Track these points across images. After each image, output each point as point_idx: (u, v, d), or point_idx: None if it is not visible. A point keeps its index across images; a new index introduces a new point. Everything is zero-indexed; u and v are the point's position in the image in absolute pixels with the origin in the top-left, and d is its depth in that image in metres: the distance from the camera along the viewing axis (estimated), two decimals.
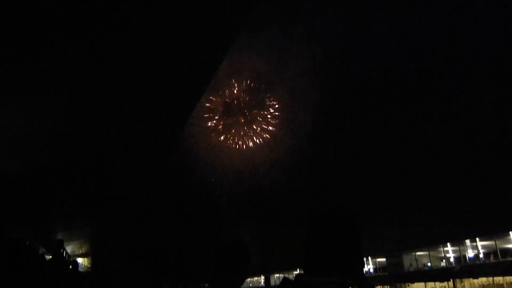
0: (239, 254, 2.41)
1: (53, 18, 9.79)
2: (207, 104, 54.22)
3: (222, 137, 57.74)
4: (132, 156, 20.51)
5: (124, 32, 11.61)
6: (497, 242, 36.38)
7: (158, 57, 13.91)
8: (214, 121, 56.45)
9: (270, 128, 56.67)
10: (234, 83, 52.87)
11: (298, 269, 58.61)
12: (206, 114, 55.42)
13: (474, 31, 35.87)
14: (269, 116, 55.64)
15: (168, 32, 12.62)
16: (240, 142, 58.50)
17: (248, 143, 58.37)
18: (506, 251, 36.42)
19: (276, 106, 55.04)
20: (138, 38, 12.20)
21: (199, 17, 12.03)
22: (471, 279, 37.59)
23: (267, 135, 57.86)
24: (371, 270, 50.40)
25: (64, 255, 32.57)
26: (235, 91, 54.04)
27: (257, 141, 58.08)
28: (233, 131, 57.44)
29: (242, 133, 57.75)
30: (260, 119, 56.51)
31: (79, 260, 39.52)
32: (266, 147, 59.18)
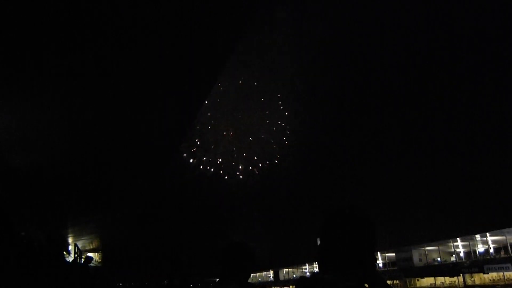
0: (243, 254, 2.65)
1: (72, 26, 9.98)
2: None
3: None
4: (140, 157, 20.79)
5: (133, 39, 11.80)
6: (508, 237, 35.98)
7: (161, 61, 14.09)
8: None
9: None
10: None
11: (307, 264, 58.98)
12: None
13: (474, 30, 35.72)
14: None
15: (171, 35, 12.77)
16: None
17: None
18: None
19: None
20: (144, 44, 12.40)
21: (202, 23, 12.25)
22: (481, 274, 37.25)
23: None
24: (380, 265, 50.25)
25: (76, 251, 32.98)
26: None
27: None
28: None
29: None
30: None
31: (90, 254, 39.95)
32: None
